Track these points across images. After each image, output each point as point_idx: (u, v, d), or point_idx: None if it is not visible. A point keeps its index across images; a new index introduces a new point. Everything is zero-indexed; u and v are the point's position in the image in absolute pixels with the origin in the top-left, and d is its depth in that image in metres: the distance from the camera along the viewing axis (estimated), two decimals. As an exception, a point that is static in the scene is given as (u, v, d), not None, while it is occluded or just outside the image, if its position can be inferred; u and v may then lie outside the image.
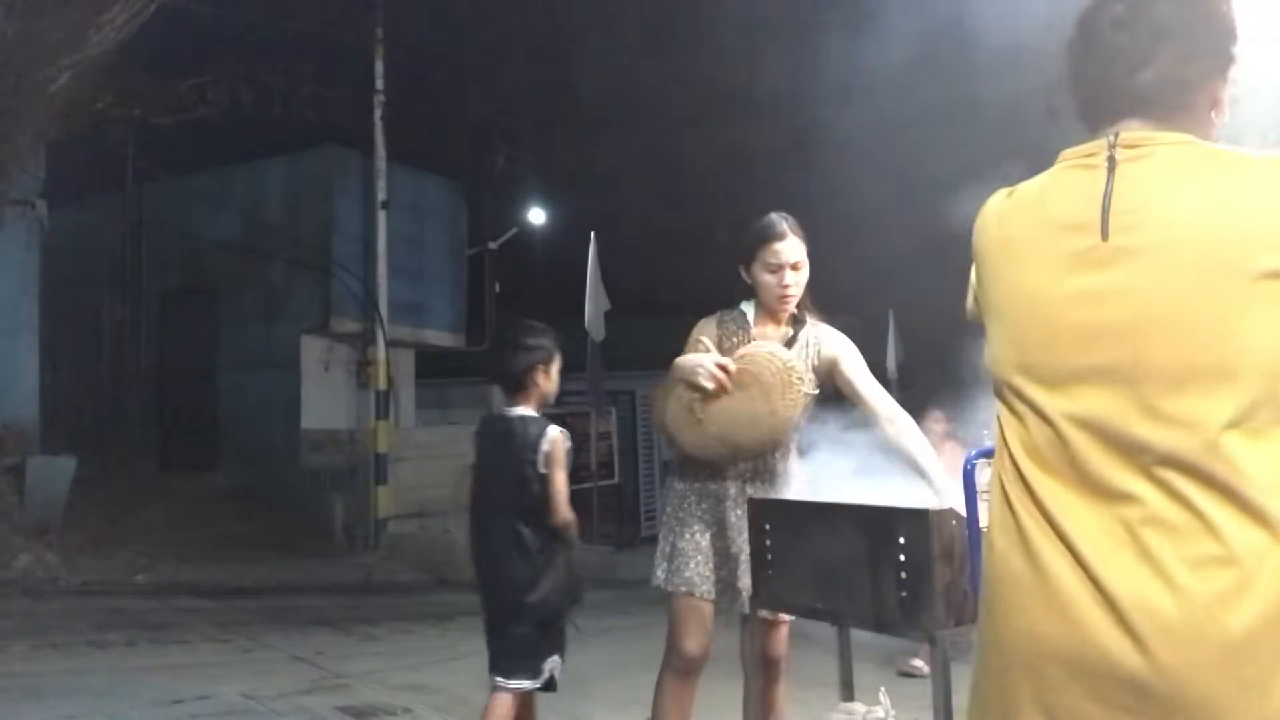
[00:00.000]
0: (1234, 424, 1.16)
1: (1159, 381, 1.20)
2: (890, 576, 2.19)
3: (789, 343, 2.88)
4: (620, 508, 12.80)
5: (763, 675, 2.86)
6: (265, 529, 9.76)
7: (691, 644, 2.81)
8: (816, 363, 2.87)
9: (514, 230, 14.36)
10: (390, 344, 10.62)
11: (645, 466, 13.33)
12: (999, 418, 1.38)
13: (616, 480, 12.81)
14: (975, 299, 1.48)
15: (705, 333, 2.97)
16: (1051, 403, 1.28)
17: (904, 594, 2.16)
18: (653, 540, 3.25)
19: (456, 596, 8.36)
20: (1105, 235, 1.25)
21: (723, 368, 2.67)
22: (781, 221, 2.87)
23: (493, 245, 13.73)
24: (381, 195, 10.57)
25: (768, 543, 2.55)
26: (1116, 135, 1.30)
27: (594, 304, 9.76)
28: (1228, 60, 1.34)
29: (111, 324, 12.42)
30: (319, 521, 10.08)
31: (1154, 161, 1.27)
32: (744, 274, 2.94)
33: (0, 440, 8.77)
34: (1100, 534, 1.21)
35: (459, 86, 12.52)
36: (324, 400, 11.01)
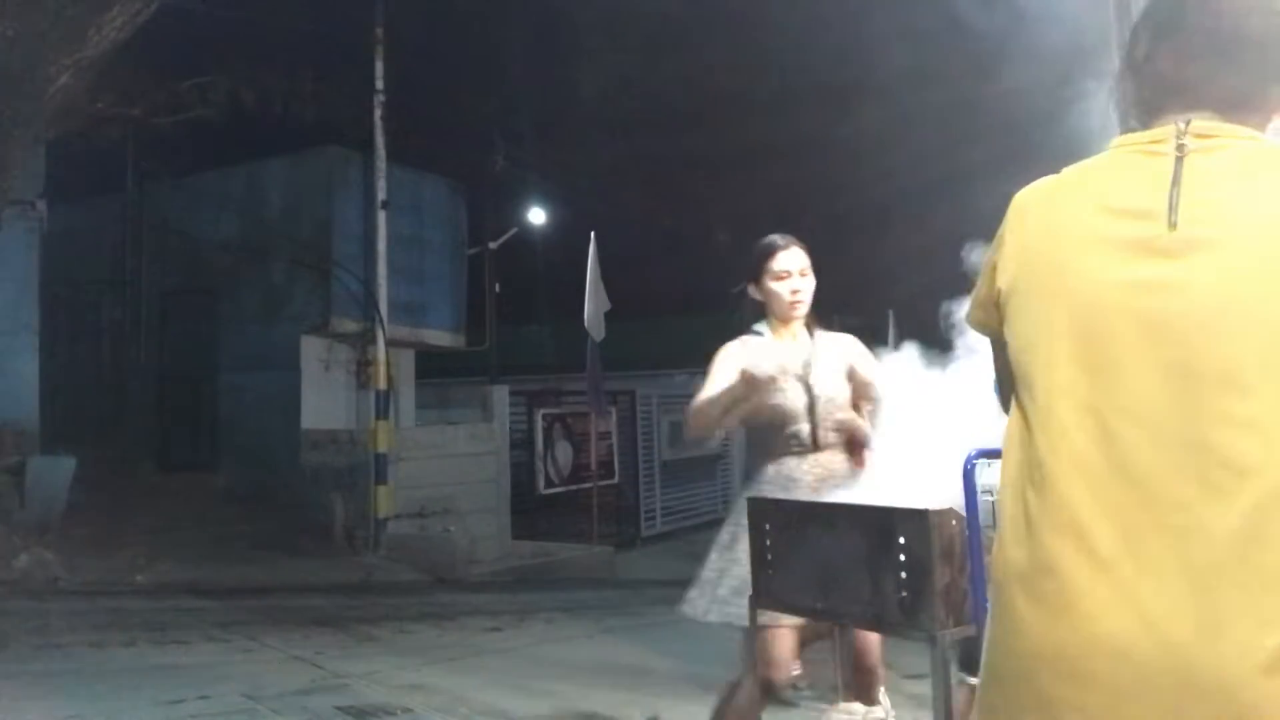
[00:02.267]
0: None
1: (1222, 380, 1.15)
2: (890, 576, 2.19)
3: (813, 348, 3.00)
4: (620, 508, 12.81)
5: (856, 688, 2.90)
6: (265, 529, 9.76)
7: (778, 673, 2.77)
8: (841, 365, 2.98)
9: (514, 230, 14.37)
10: (390, 344, 10.62)
11: (645, 466, 13.33)
12: (1019, 414, 1.30)
13: (616, 480, 12.82)
14: (982, 304, 1.41)
15: (728, 356, 3.00)
16: (1100, 396, 1.20)
17: (904, 594, 2.16)
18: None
19: (456, 596, 8.38)
20: (1173, 224, 1.19)
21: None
22: (781, 237, 3.02)
23: (493, 245, 13.74)
24: (381, 195, 10.57)
25: (768, 543, 2.55)
26: (1188, 123, 1.25)
27: (594, 304, 9.77)
28: None
29: (111, 324, 12.42)
30: (319, 521, 10.08)
31: (1227, 155, 1.22)
32: (754, 292, 3.06)
33: (0, 440, 8.78)
34: (1140, 539, 1.15)
35: (459, 86, 12.52)
36: (324, 400, 11.01)
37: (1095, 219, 1.26)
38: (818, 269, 3.01)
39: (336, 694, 4.66)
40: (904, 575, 2.16)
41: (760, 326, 3.07)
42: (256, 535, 9.61)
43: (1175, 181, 1.21)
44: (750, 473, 3.02)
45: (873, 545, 2.25)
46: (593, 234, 9.91)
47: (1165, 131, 1.26)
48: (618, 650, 6.13)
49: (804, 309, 3.00)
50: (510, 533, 11.32)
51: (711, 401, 2.82)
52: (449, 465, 10.82)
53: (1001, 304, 1.35)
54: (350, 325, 10.82)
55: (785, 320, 3.02)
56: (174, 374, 12.07)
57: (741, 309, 3.12)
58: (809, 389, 2.93)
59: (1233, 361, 1.14)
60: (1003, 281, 1.35)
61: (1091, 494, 1.18)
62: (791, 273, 2.96)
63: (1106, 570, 1.16)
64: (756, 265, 3.02)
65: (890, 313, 12.98)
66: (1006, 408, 1.40)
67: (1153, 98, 1.31)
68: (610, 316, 10.05)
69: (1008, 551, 1.26)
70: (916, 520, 2.16)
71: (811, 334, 3.03)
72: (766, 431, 2.94)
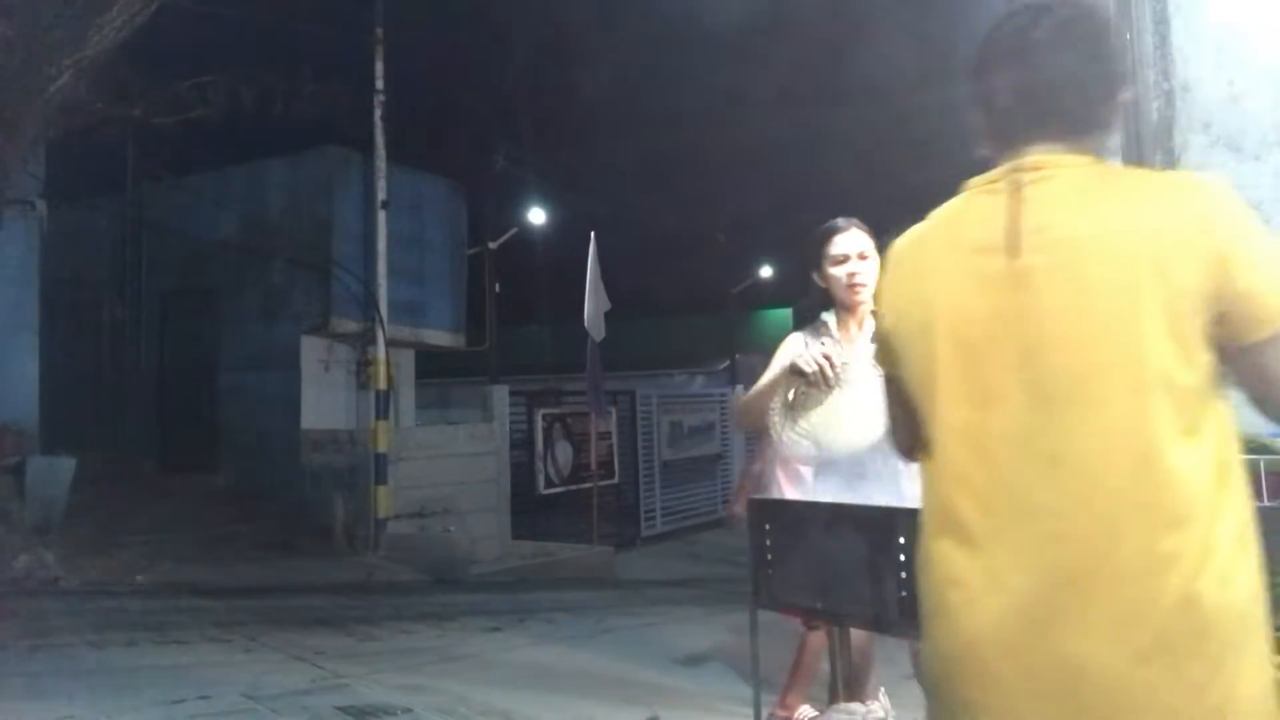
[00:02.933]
0: (1146, 434, 1.22)
1: (1072, 395, 1.25)
2: (890, 576, 2.19)
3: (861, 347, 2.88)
4: (620, 508, 12.81)
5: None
6: (265, 529, 9.76)
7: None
8: None
9: (514, 230, 14.36)
10: (390, 344, 10.62)
11: (645, 466, 13.33)
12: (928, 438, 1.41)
13: (616, 480, 12.82)
14: (879, 346, 1.53)
15: (790, 348, 2.91)
16: (976, 421, 1.32)
17: (904, 594, 2.16)
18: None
19: (456, 596, 8.37)
20: (1015, 255, 1.30)
21: (828, 358, 2.52)
22: (842, 219, 2.90)
23: (493, 245, 13.73)
24: (381, 195, 10.57)
25: (768, 543, 2.55)
26: (1020, 159, 1.35)
27: (594, 304, 9.77)
28: (1121, 84, 1.40)
29: (111, 324, 12.42)
30: (319, 521, 10.07)
31: (1059, 183, 1.31)
32: (817, 279, 2.95)
33: (0, 440, 8.77)
34: (1020, 548, 1.26)
35: (459, 86, 12.52)
36: (324, 400, 11.01)
37: (953, 258, 1.37)
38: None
39: (336, 694, 4.66)
40: (904, 575, 2.16)
41: (826, 315, 2.97)
42: (256, 535, 9.61)
43: (1014, 216, 1.31)
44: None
45: (873, 545, 2.26)
46: (593, 234, 9.91)
47: (1002, 170, 1.37)
48: (618, 650, 6.13)
49: (866, 293, 2.85)
50: (510, 533, 11.32)
51: (759, 393, 2.73)
52: (449, 465, 10.82)
53: (889, 346, 1.48)
54: (350, 325, 10.81)
55: (849, 308, 2.90)
56: (174, 374, 12.07)
57: (809, 296, 3.01)
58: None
59: (1077, 378, 1.25)
60: (887, 325, 1.48)
61: (980, 512, 1.30)
62: (850, 256, 2.85)
63: (997, 581, 1.27)
64: (816, 250, 2.91)
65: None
66: (897, 445, 1.55)
67: (1000, 129, 1.39)
68: (610, 316, 10.05)
69: (936, 557, 1.37)
70: (916, 520, 2.16)
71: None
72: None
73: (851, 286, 2.85)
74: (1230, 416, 1.28)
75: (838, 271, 2.86)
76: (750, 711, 2.84)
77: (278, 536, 9.62)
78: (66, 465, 8.59)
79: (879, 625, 2.29)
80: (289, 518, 10.09)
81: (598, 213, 12.95)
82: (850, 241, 2.86)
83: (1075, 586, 1.22)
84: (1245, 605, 1.21)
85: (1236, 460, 1.26)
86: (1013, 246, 1.30)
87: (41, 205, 9.45)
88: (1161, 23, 2.32)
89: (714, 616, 6.55)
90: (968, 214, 1.39)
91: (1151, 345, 1.22)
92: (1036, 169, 1.33)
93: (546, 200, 15.31)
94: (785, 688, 3.26)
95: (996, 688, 1.27)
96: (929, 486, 1.41)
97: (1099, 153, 1.35)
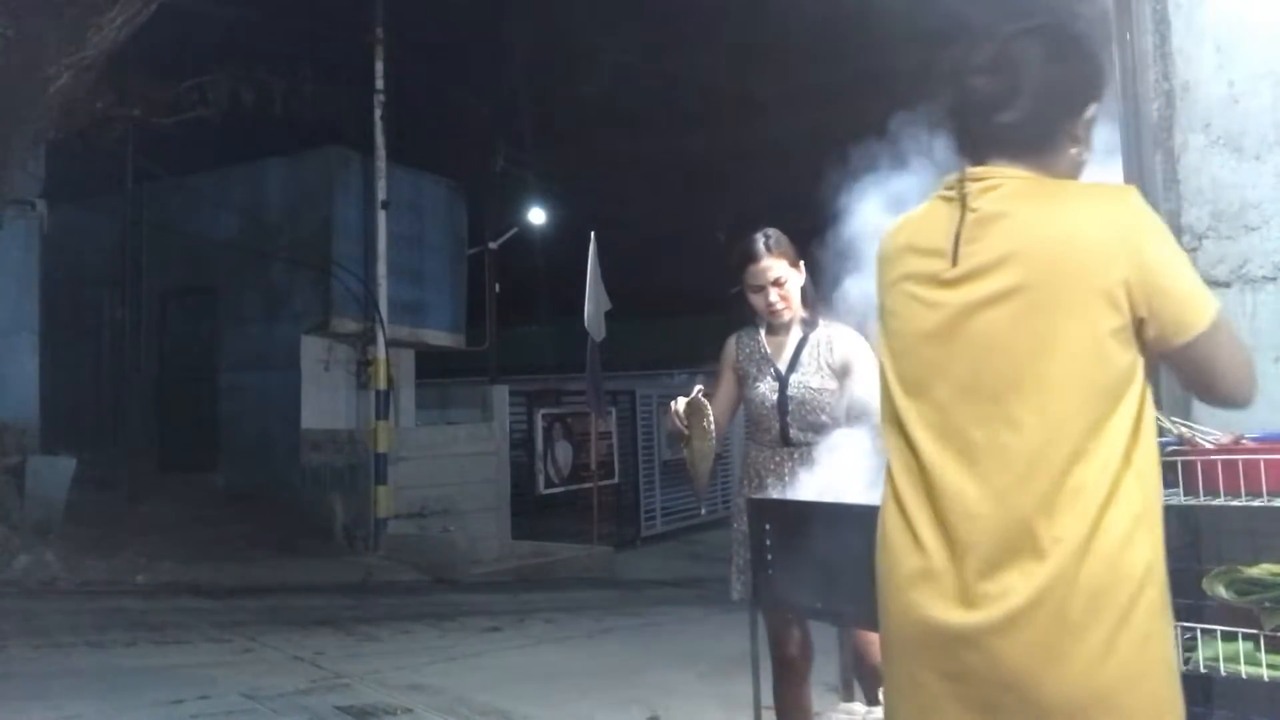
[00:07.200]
0: (1052, 433, 1.33)
1: (992, 392, 1.37)
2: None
3: (799, 346, 2.97)
4: (620, 508, 12.81)
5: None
6: (265, 529, 9.76)
7: (788, 649, 2.91)
8: (831, 361, 2.94)
9: (514, 230, 14.36)
10: (390, 344, 10.62)
11: (645, 467, 13.33)
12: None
13: (616, 480, 12.82)
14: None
15: (725, 354, 3.10)
16: (913, 412, 1.46)
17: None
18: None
19: (456, 596, 8.38)
20: (954, 261, 1.42)
21: (676, 411, 2.81)
22: (759, 241, 2.95)
23: (493, 245, 13.73)
24: (381, 195, 10.57)
25: (768, 543, 2.55)
26: (970, 170, 1.47)
27: (594, 304, 9.76)
28: (1085, 102, 1.48)
29: (111, 324, 12.42)
30: (319, 521, 10.08)
31: (999, 194, 1.42)
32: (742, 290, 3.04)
33: (0, 440, 8.77)
34: (935, 525, 1.41)
35: (459, 86, 12.52)
36: (324, 400, 11.01)
37: (909, 256, 1.51)
38: (814, 265, 2.93)
39: (336, 694, 4.66)
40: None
41: (759, 320, 3.07)
42: (256, 535, 9.61)
43: (957, 222, 1.43)
44: (743, 460, 3.07)
45: (873, 545, 2.25)
46: (592, 234, 9.90)
47: (956, 179, 1.48)
48: (617, 650, 6.13)
49: (786, 315, 2.97)
50: (510, 533, 11.32)
51: (689, 465, 2.87)
52: (449, 465, 10.82)
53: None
54: (350, 325, 10.82)
55: (771, 328, 3.04)
56: (174, 374, 12.07)
57: (737, 308, 3.11)
58: (783, 387, 2.92)
59: (994, 375, 1.37)
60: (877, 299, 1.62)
61: (920, 502, 1.44)
62: (765, 286, 2.93)
63: (927, 559, 1.41)
64: (736, 271, 3.00)
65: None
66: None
67: (969, 145, 1.50)
68: (610, 316, 10.04)
69: (889, 543, 1.51)
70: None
71: (811, 324, 2.98)
72: (751, 425, 3.01)
73: (771, 313, 2.97)
74: (1147, 409, 1.38)
75: (756, 299, 2.98)
76: (750, 711, 2.84)
77: (277, 536, 9.62)
78: (66, 465, 8.59)
79: (879, 625, 2.28)
80: (289, 518, 10.09)
81: (598, 213, 12.94)
82: (764, 272, 2.93)
83: (983, 562, 1.34)
84: (1137, 584, 1.31)
85: (1145, 450, 1.37)
86: (953, 251, 1.42)
87: (41, 205, 9.45)
88: (1161, 23, 2.32)
89: (714, 616, 6.55)
90: (927, 216, 1.51)
91: (1066, 346, 1.33)
92: (979, 180, 1.44)
93: (546, 200, 15.31)
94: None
95: (917, 657, 1.41)
96: (888, 476, 1.53)
97: (1054, 166, 1.46)
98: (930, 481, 1.42)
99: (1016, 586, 1.32)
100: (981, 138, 1.48)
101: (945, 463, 1.40)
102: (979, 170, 1.46)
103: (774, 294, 2.93)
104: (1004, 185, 1.43)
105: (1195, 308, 1.36)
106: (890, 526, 1.49)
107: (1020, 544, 1.33)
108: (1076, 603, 1.30)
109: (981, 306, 1.39)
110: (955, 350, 1.41)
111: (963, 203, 1.44)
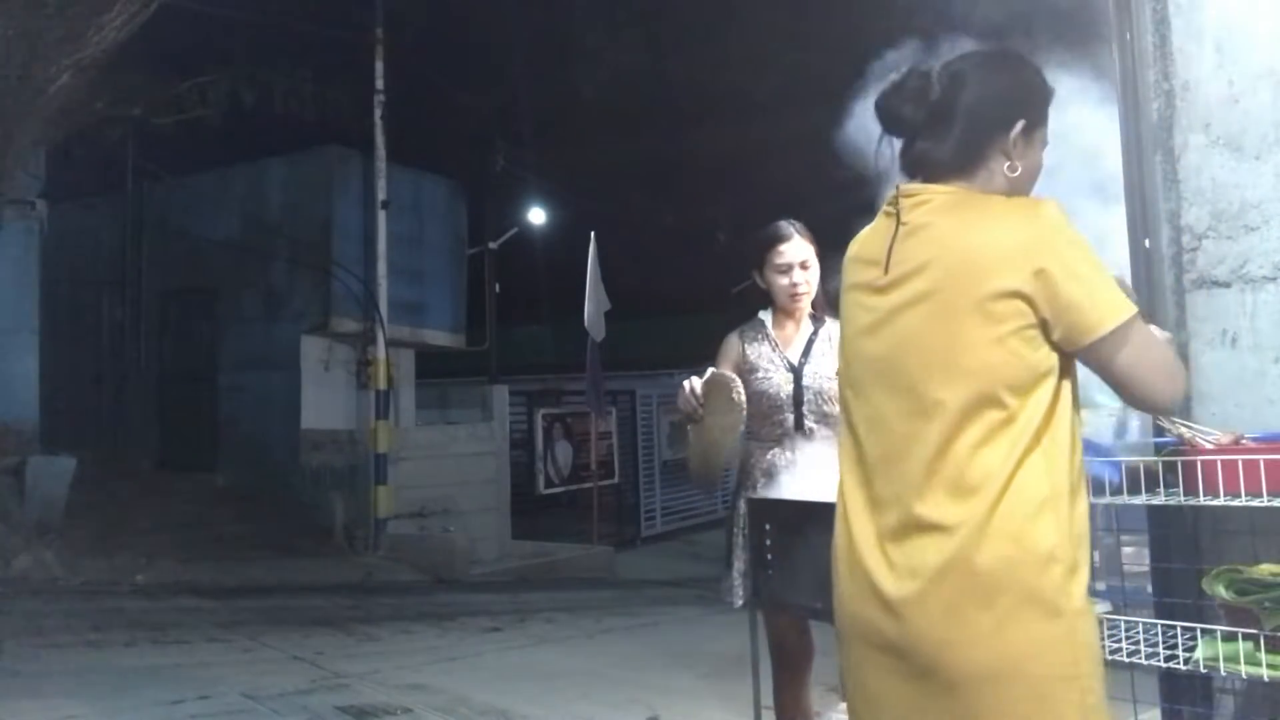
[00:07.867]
0: (960, 420, 1.44)
1: (908, 385, 1.50)
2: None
3: (809, 341, 2.98)
4: (620, 507, 12.81)
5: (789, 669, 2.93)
6: (265, 529, 9.76)
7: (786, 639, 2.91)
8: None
9: (514, 230, 14.35)
10: (390, 344, 10.62)
11: (645, 466, 13.33)
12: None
13: (616, 480, 12.82)
14: None
15: (727, 349, 3.05)
16: (855, 407, 1.61)
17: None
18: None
19: (456, 596, 8.38)
20: (886, 269, 1.56)
21: (692, 389, 2.71)
22: (787, 225, 2.98)
23: (493, 245, 13.72)
24: (381, 195, 10.57)
25: (768, 543, 2.56)
26: (901, 188, 1.59)
27: (594, 304, 9.76)
28: (1011, 121, 1.56)
29: (111, 324, 12.41)
30: (319, 521, 10.08)
31: (927, 208, 1.54)
32: (758, 279, 3.04)
33: (0, 440, 8.77)
34: (862, 511, 1.56)
35: (459, 86, 12.51)
36: (324, 400, 11.00)
37: (856, 268, 1.66)
38: (824, 257, 2.98)
39: (336, 694, 4.66)
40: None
41: (764, 314, 3.07)
42: (256, 535, 9.61)
43: (890, 236, 1.57)
44: (742, 460, 3.02)
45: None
46: (592, 234, 9.90)
47: (892, 195, 1.61)
48: (618, 650, 6.13)
49: (806, 301, 2.98)
50: (510, 533, 11.32)
51: (690, 457, 2.82)
52: (449, 465, 10.82)
53: None
54: (350, 325, 10.81)
55: (788, 313, 3.02)
56: (174, 374, 12.06)
57: (746, 298, 3.11)
58: (798, 378, 2.93)
59: (915, 368, 1.50)
60: None
61: (858, 489, 1.58)
62: (794, 265, 2.94)
63: (861, 540, 1.54)
64: (760, 253, 3.00)
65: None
66: None
67: (910, 165, 1.62)
68: (610, 316, 10.04)
69: (838, 539, 1.63)
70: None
71: (820, 320, 3.01)
72: (755, 420, 2.93)
73: (794, 295, 2.97)
74: (1062, 400, 1.48)
75: (781, 280, 2.97)
76: (750, 711, 2.84)
77: (277, 536, 9.62)
78: (66, 465, 8.58)
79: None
80: (289, 518, 10.09)
81: (598, 213, 12.93)
82: (795, 251, 2.95)
83: (902, 540, 1.48)
84: (1041, 561, 1.41)
85: (1057, 438, 1.46)
86: (886, 261, 1.56)
87: (41, 205, 9.44)
88: (1161, 23, 2.32)
89: (714, 616, 6.55)
90: (873, 230, 1.66)
91: (971, 343, 1.45)
92: (911, 196, 1.57)
93: (546, 200, 15.30)
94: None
95: (857, 631, 1.54)
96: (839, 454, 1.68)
97: (986, 182, 1.55)
98: (865, 471, 1.57)
99: (929, 560, 1.44)
100: (910, 161, 1.61)
101: (874, 451, 1.55)
102: (912, 186, 1.59)
103: (799, 275, 2.95)
104: (932, 200, 1.55)
105: (1098, 312, 1.44)
106: (839, 514, 1.62)
107: (932, 523, 1.45)
108: (980, 577, 1.41)
109: (903, 308, 1.53)
110: (882, 348, 1.55)
111: (897, 217, 1.57)
